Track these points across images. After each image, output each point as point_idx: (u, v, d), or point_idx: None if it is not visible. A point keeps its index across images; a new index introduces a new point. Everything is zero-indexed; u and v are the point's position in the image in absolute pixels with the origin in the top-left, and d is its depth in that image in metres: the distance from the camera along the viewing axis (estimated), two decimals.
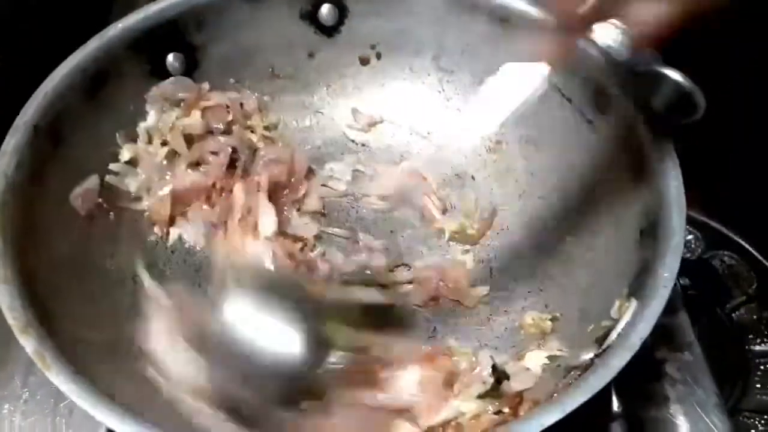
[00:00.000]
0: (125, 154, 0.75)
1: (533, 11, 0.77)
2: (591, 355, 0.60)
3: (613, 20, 0.59)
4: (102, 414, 0.49)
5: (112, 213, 0.73)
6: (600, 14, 0.58)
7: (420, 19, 0.83)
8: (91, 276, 0.67)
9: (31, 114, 0.64)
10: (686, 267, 0.74)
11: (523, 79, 0.61)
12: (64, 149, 0.67)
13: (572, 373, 0.61)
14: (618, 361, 0.53)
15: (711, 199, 1.07)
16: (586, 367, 0.58)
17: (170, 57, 0.78)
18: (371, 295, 0.72)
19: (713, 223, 1.04)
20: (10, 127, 0.63)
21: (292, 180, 0.82)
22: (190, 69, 0.80)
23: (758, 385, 0.90)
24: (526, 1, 0.78)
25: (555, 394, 0.58)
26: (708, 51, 0.66)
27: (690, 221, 1.10)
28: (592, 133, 0.74)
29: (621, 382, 0.65)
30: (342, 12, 0.84)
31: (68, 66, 0.69)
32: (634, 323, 0.56)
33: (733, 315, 0.96)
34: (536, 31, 0.64)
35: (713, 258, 1.00)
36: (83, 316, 0.62)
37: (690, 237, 1.03)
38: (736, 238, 1.02)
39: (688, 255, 1.02)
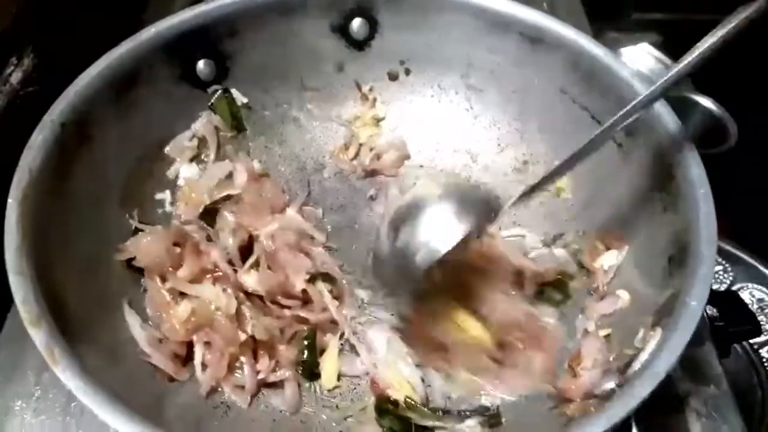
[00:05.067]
0: None
1: (566, 31, 0.76)
2: (612, 384, 0.58)
3: (644, 44, 0.58)
4: (107, 414, 0.49)
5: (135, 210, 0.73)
6: None
7: (450, 36, 0.83)
8: (107, 276, 0.67)
9: (59, 112, 0.65)
10: (714, 298, 0.72)
11: None
12: (90, 148, 0.68)
13: (592, 401, 0.59)
14: (640, 391, 0.51)
15: (741, 231, 1.05)
16: (607, 396, 0.57)
17: (201, 63, 0.79)
18: None
19: (743, 255, 1.02)
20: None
21: None
22: (220, 76, 0.81)
23: None
24: (559, 21, 0.77)
25: (572, 423, 0.57)
26: (741, 78, 0.64)
27: (719, 252, 1.08)
28: (622, 155, 0.73)
29: (642, 413, 0.64)
30: (373, 26, 0.84)
31: (99, 66, 0.69)
32: (658, 353, 0.54)
33: (762, 350, 0.93)
34: None
35: (742, 290, 0.98)
36: (96, 316, 0.62)
37: (719, 268, 1.01)
38: (767, 271, 1.00)
39: (717, 286, 1.00)
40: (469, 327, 0.71)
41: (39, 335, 0.52)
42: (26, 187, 0.59)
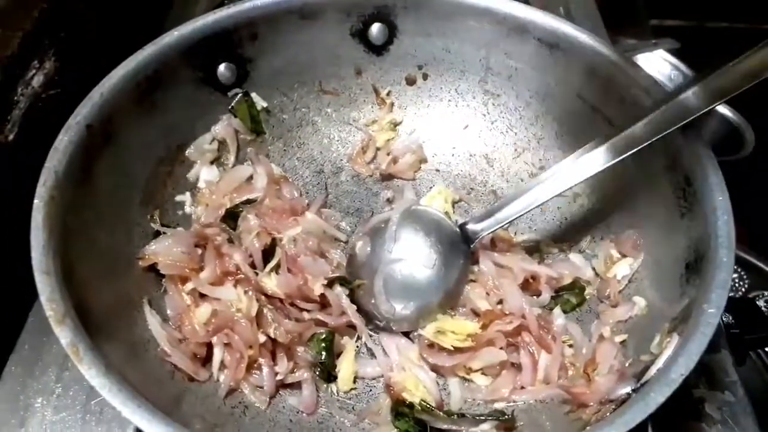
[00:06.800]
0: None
1: (584, 37, 0.76)
2: (628, 389, 0.58)
3: (660, 51, 0.57)
4: (131, 411, 0.50)
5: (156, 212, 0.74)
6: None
7: (469, 42, 0.83)
8: (128, 275, 0.68)
9: (84, 114, 0.65)
10: (730, 305, 0.72)
11: None
12: (114, 149, 0.69)
13: (607, 406, 0.59)
14: (657, 396, 0.51)
15: (757, 238, 1.05)
16: (623, 401, 0.57)
17: (222, 67, 0.80)
18: None
19: (759, 263, 1.02)
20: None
21: None
22: (241, 79, 0.82)
23: None
24: (577, 27, 0.77)
25: (588, 428, 0.57)
26: (759, 85, 0.64)
27: (735, 259, 1.07)
28: (639, 162, 0.72)
29: (658, 420, 0.64)
30: (392, 32, 0.84)
31: (123, 70, 0.70)
32: (675, 359, 0.54)
33: None
34: None
35: (758, 298, 0.97)
36: (117, 315, 0.63)
37: (734, 276, 1.00)
38: None
39: (732, 293, 0.99)
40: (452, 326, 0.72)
41: (64, 333, 0.52)
42: (52, 187, 0.60)
